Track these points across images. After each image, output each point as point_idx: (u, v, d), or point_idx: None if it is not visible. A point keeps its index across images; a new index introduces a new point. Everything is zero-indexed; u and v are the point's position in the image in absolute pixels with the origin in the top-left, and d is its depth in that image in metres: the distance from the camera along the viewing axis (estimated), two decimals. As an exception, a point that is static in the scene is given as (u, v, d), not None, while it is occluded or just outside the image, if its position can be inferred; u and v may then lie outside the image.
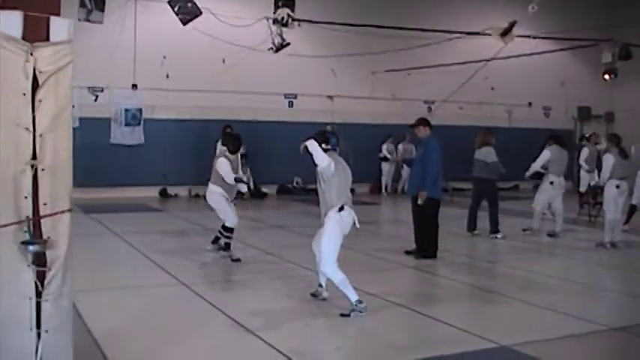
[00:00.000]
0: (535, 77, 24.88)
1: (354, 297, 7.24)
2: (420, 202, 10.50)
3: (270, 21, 18.29)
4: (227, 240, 10.48)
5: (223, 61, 20.01)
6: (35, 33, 4.12)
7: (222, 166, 10.22)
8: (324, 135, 7.67)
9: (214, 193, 10.41)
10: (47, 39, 4.16)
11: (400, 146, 22.05)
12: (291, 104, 22.13)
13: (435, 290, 9.22)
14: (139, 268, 9.89)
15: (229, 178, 10.15)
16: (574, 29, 20.94)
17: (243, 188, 10.56)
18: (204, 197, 10.69)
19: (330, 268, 7.32)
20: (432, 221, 10.74)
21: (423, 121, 11.06)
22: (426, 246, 10.77)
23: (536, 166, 13.60)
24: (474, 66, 20.52)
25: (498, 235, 12.99)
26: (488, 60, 19.62)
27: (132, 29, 18.81)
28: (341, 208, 7.35)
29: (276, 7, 18.21)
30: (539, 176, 13.83)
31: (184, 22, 17.11)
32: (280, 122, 20.80)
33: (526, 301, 8.22)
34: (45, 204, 4.21)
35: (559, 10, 23.86)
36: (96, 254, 10.84)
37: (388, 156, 22.22)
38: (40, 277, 4.22)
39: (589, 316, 7.53)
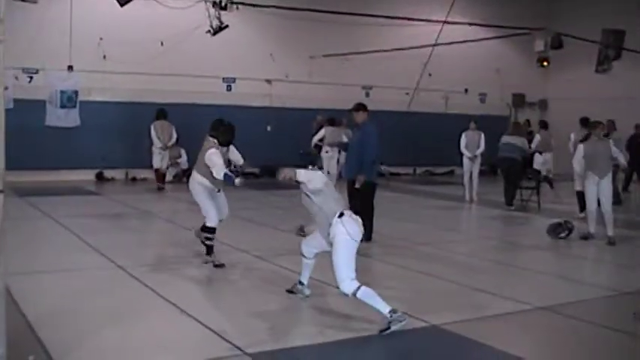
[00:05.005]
0: (471, 64, 25.32)
1: (386, 308, 6.28)
2: (357, 185, 10.65)
3: (209, 4, 18.22)
4: (208, 242, 9.13)
5: (161, 44, 19.91)
6: (-33, 13, 4.09)
7: (214, 157, 8.75)
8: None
9: (196, 182, 9.14)
10: (-21, 19, 4.14)
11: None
12: (229, 88, 22.07)
13: (369, 272, 9.38)
14: (75, 252, 9.83)
15: (220, 172, 8.55)
16: (510, 17, 21.36)
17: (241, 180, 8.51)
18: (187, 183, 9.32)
19: (347, 285, 6.34)
20: (368, 205, 10.90)
21: (361, 106, 11.21)
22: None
23: (314, 140, 17.97)
24: (412, 52, 20.81)
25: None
26: (428, 46, 19.87)
27: (67, 10, 18.49)
28: (341, 214, 6.57)
29: (216, -10, 18.14)
30: (318, 148, 17.92)
31: (122, 4, 16.92)
32: (218, 106, 20.59)
33: (457, 282, 8.54)
34: (-22, 186, 4.20)
35: (495, -1, 24.36)
36: (30, 237, 10.73)
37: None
38: (-27, 259, 4.21)
39: (517, 296, 7.83)
